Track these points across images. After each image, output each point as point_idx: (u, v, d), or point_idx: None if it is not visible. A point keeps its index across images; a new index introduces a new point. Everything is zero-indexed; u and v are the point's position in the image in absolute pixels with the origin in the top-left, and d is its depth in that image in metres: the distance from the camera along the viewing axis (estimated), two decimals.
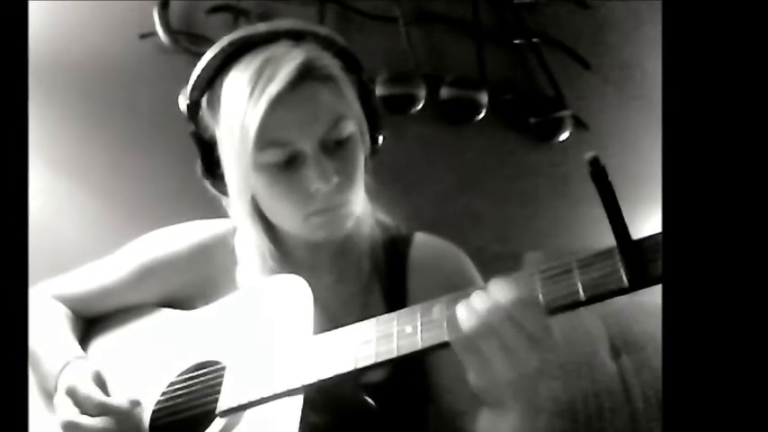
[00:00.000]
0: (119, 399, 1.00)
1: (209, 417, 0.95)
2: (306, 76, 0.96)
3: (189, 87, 1.03)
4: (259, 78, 0.95)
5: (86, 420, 0.98)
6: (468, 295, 0.83)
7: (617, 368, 1.58)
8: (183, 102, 1.05)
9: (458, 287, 0.87)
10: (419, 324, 0.86)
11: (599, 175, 0.77)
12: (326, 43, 1.02)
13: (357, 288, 1.10)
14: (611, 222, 0.77)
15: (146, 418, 1.01)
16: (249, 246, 1.09)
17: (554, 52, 2.03)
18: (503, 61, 2.03)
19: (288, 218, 1.02)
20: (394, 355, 0.86)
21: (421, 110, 1.97)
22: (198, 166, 1.07)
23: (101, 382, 1.04)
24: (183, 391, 1.01)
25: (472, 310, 0.80)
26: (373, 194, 1.09)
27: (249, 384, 0.93)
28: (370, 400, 1.02)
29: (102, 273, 1.17)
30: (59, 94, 1.84)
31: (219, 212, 1.11)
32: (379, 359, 0.86)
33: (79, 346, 1.12)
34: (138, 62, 1.87)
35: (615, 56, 2.06)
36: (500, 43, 2.03)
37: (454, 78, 1.98)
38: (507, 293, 0.79)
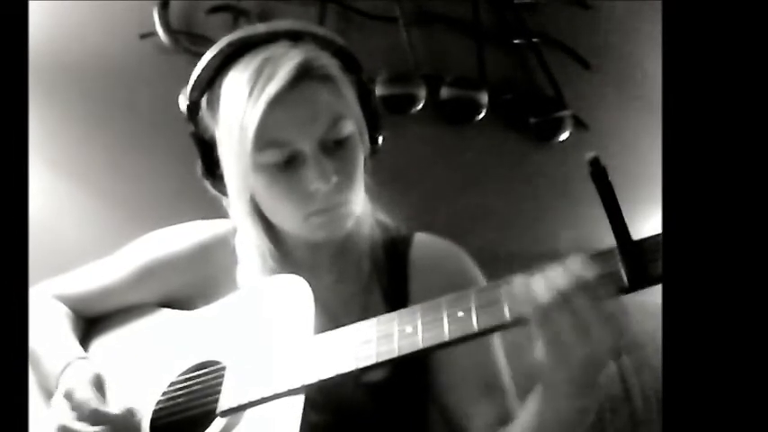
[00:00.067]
0: (114, 407, 1.00)
1: (209, 416, 0.95)
2: (304, 75, 0.96)
3: (188, 88, 1.03)
4: (258, 78, 0.95)
5: (80, 427, 0.98)
6: (468, 294, 0.83)
7: (617, 368, 1.58)
8: (182, 102, 1.05)
9: (459, 287, 0.87)
10: (419, 324, 0.86)
11: (599, 175, 0.77)
12: (325, 43, 1.02)
13: (357, 288, 1.10)
14: (611, 222, 0.77)
15: (145, 421, 1.01)
16: (249, 246, 1.09)
17: (554, 52, 2.03)
18: (503, 61, 2.03)
19: (287, 218, 1.02)
20: (394, 354, 0.86)
21: (421, 110, 1.97)
22: (198, 167, 1.07)
23: (99, 387, 1.04)
24: (184, 391, 1.01)
25: (550, 283, 0.78)
26: (373, 194, 1.09)
27: (250, 384, 0.93)
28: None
29: (103, 273, 1.17)
30: (59, 94, 1.84)
31: (220, 213, 1.11)
32: (380, 359, 0.86)
33: (80, 346, 1.12)
34: (138, 62, 1.87)
35: (615, 56, 2.06)
36: (500, 43, 2.03)
37: (454, 78, 1.98)
38: (587, 269, 0.77)
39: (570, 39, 2.04)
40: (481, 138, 2.02)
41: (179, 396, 1.01)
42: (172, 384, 1.02)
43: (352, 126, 1.00)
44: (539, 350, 0.80)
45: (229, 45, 1.00)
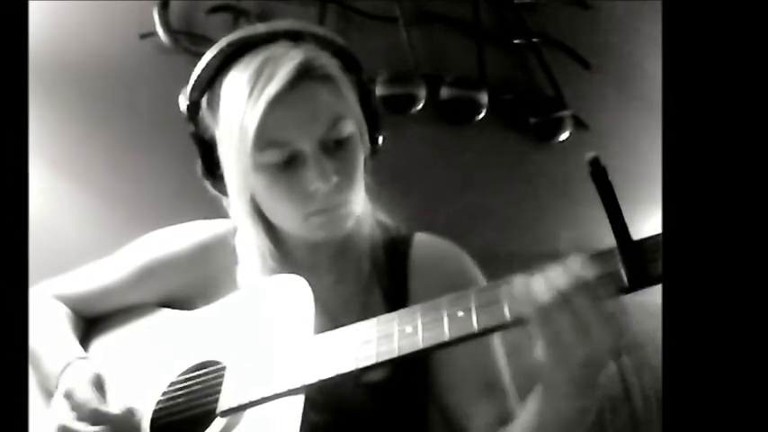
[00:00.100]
0: (114, 407, 1.00)
1: (209, 416, 0.95)
2: (304, 75, 0.96)
3: (189, 88, 1.03)
4: (258, 78, 0.95)
5: (80, 427, 0.98)
6: (468, 294, 0.83)
7: (617, 368, 1.58)
8: (182, 102, 1.05)
9: (460, 287, 0.87)
10: (419, 324, 0.86)
11: (599, 175, 0.77)
12: (325, 43, 1.02)
13: (357, 288, 1.10)
14: (611, 222, 0.77)
15: (145, 420, 1.01)
16: (249, 246, 1.09)
17: (554, 52, 2.03)
18: (503, 61, 2.03)
19: (288, 218, 1.02)
20: (394, 355, 0.86)
21: (421, 110, 1.97)
22: (198, 167, 1.07)
23: (99, 387, 1.03)
24: (184, 391, 1.01)
25: (550, 283, 0.78)
26: (373, 194, 1.09)
27: (250, 384, 0.93)
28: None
29: (103, 273, 1.17)
30: (59, 94, 1.84)
31: (220, 213, 1.11)
32: (380, 359, 0.86)
33: (80, 346, 1.12)
34: (138, 62, 1.87)
35: (615, 56, 2.06)
36: (500, 43, 2.03)
37: (454, 78, 1.98)
38: (587, 269, 0.77)
39: (570, 39, 2.04)
40: (481, 138, 2.02)
41: (179, 396, 1.01)
42: (172, 384, 1.02)
43: (352, 126, 1.00)
44: (539, 350, 0.80)
45: (229, 45, 1.00)
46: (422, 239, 1.14)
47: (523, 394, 0.93)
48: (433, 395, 1.08)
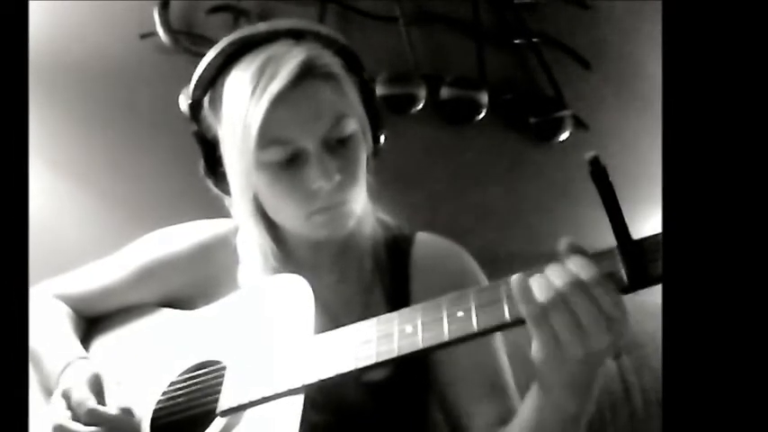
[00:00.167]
0: (110, 407, 1.00)
1: (209, 416, 0.95)
2: (307, 74, 0.96)
3: (191, 87, 1.03)
4: (260, 77, 0.95)
5: (76, 427, 0.98)
6: (468, 294, 0.83)
7: (617, 367, 1.58)
8: (184, 102, 1.05)
9: (461, 286, 0.87)
10: (419, 324, 0.86)
11: (599, 175, 0.77)
12: (327, 42, 1.02)
13: (358, 288, 1.10)
14: (611, 222, 0.77)
15: (145, 420, 1.01)
16: (251, 245, 1.09)
17: (554, 52, 2.03)
18: (503, 61, 2.03)
19: (290, 216, 1.02)
20: (394, 354, 0.86)
21: (421, 110, 1.96)
22: (200, 166, 1.07)
23: (97, 387, 1.03)
24: (184, 391, 1.01)
25: (548, 282, 0.78)
26: (374, 194, 1.09)
27: (250, 384, 0.93)
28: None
29: (104, 272, 1.17)
30: (59, 94, 1.84)
31: (220, 212, 1.11)
32: (380, 359, 0.86)
33: (81, 346, 1.12)
34: (138, 62, 1.87)
35: (615, 56, 2.06)
36: (500, 43, 2.03)
37: (454, 78, 1.98)
38: (586, 269, 0.77)
39: (570, 39, 2.04)
40: (481, 138, 2.02)
41: (179, 396, 1.01)
42: (172, 384, 1.02)
43: (354, 125, 1.00)
44: (536, 348, 0.80)
45: (231, 44, 1.00)
46: (423, 239, 1.14)
47: (524, 393, 0.93)
48: (434, 394, 1.08)
